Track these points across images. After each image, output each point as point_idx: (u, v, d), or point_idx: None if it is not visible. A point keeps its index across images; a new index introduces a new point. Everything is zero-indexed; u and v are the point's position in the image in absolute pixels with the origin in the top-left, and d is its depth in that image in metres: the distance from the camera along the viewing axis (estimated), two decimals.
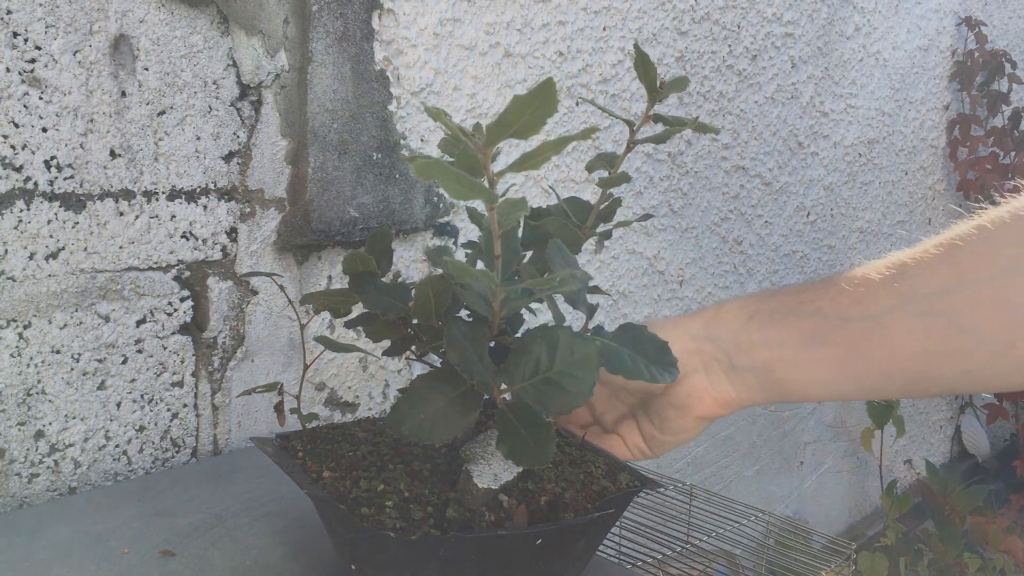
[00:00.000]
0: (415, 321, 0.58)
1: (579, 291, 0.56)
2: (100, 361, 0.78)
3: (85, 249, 0.76)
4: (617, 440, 0.66)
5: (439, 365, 0.57)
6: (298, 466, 0.57)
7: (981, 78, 2.27)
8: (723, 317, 0.62)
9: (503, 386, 0.52)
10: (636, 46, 0.60)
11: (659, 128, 0.61)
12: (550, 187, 1.22)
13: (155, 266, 0.81)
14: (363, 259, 0.57)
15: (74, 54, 0.73)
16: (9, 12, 0.69)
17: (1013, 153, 2.31)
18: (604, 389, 0.67)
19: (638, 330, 0.57)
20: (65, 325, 0.75)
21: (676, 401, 0.62)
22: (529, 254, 0.63)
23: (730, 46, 1.50)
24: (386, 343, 0.60)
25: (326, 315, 0.94)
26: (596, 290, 0.64)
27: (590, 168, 0.64)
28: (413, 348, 0.60)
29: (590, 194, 1.28)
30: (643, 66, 0.58)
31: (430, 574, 0.51)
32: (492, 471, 0.55)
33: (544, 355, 0.51)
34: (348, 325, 0.62)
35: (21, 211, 0.72)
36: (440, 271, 0.58)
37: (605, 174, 0.63)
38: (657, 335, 0.57)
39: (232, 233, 0.86)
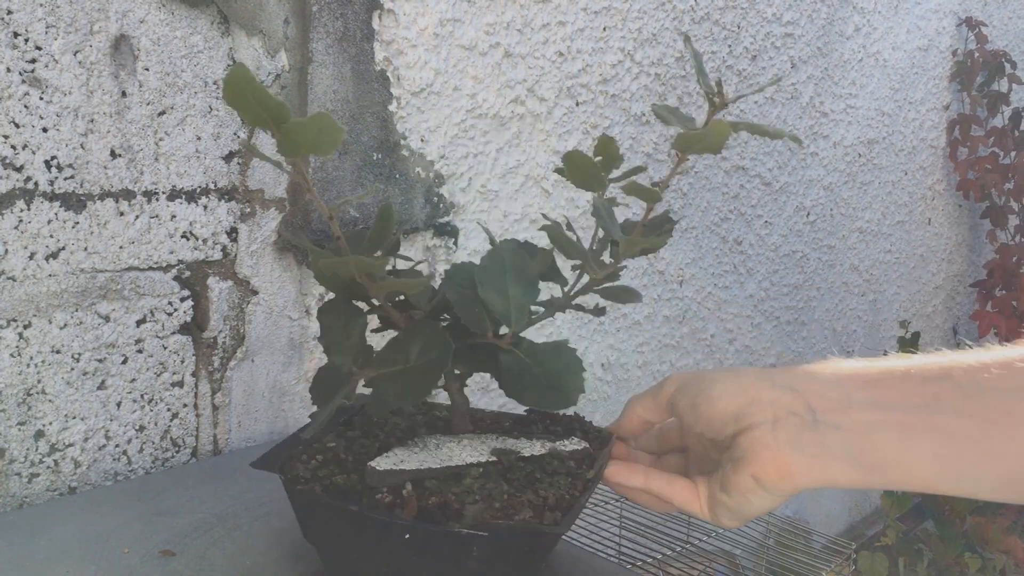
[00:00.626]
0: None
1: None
2: (100, 361, 0.78)
3: (85, 249, 0.76)
4: (687, 487, 0.56)
5: None
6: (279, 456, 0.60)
7: (981, 78, 2.27)
8: (816, 371, 0.52)
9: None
10: (565, 159, 0.61)
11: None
12: (551, 186, 1.22)
13: (155, 266, 0.81)
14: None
15: (74, 54, 0.73)
16: (9, 12, 0.69)
17: (1013, 152, 2.32)
18: (695, 438, 0.58)
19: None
20: (65, 325, 0.75)
21: (734, 453, 0.51)
22: None
23: (730, 46, 1.50)
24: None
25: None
26: (579, 308, 0.65)
27: (628, 191, 0.62)
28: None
29: (590, 194, 1.28)
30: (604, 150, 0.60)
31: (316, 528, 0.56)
32: (399, 457, 0.58)
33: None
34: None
35: (21, 211, 0.72)
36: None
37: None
38: (718, 373, 0.53)
39: (232, 233, 0.86)
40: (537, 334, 1.25)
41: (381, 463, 0.57)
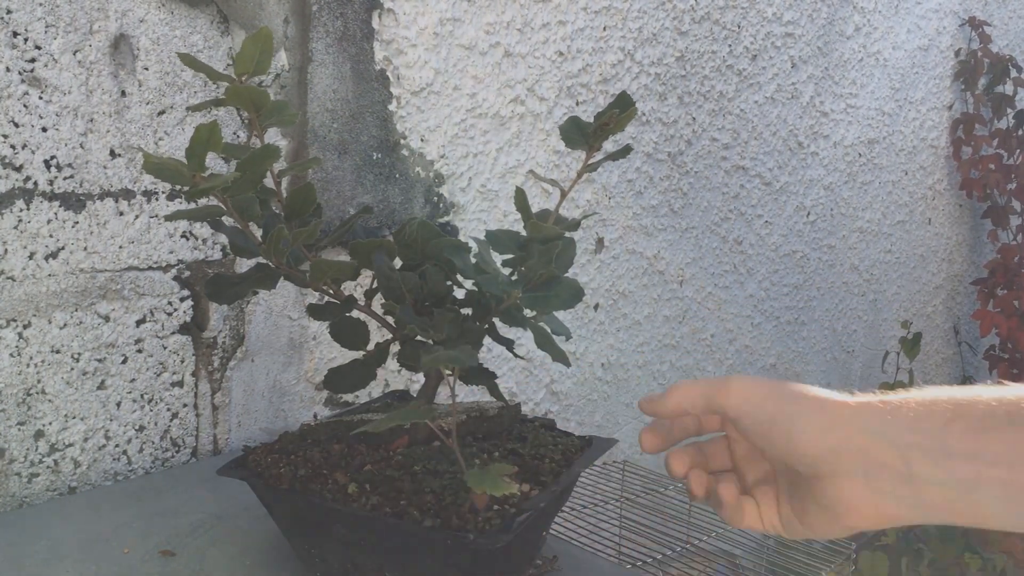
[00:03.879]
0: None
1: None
2: (100, 361, 0.78)
3: (85, 249, 0.76)
4: (751, 506, 0.54)
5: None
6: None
7: (985, 81, 2.28)
8: (909, 411, 0.47)
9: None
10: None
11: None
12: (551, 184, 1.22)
13: (155, 266, 0.81)
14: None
15: (74, 54, 0.73)
16: (9, 12, 0.69)
17: (1018, 152, 2.32)
18: (743, 443, 0.55)
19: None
20: (65, 325, 0.75)
21: (822, 499, 0.48)
22: None
23: (730, 46, 1.50)
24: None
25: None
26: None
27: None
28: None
29: (590, 194, 1.28)
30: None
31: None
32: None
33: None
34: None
35: (21, 211, 0.71)
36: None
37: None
38: (795, 404, 0.49)
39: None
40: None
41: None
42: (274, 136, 0.88)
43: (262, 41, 0.54)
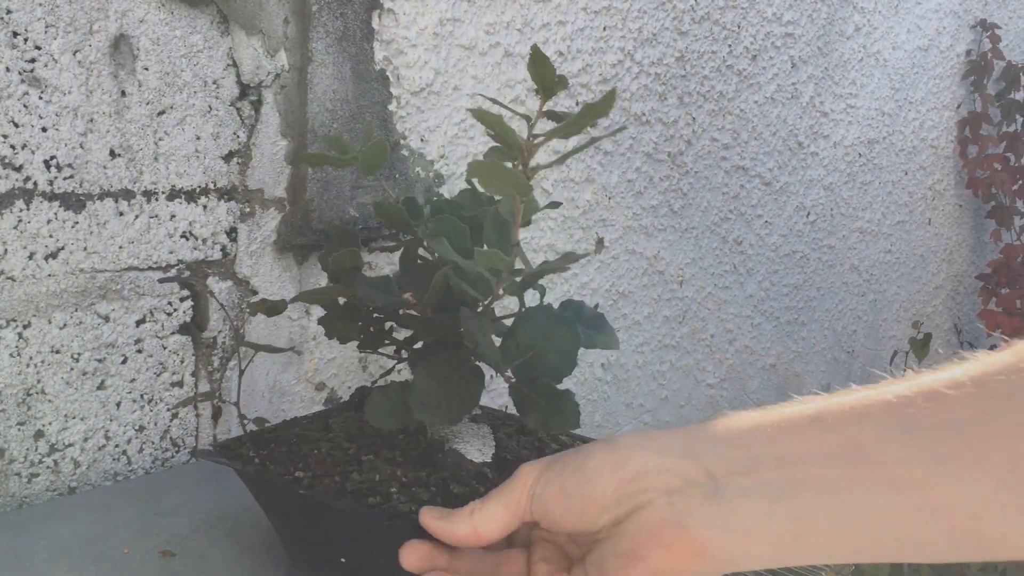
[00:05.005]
0: (401, 313, 0.59)
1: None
2: (100, 361, 0.78)
3: (85, 249, 0.76)
4: None
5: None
6: (269, 471, 0.58)
7: (996, 87, 2.30)
8: (708, 428, 0.42)
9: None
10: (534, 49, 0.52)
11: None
12: (551, 186, 1.22)
13: (155, 266, 0.81)
14: (351, 255, 0.59)
15: (74, 54, 0.73)
16: (9, 12, 0.69)
17: None
18: (541, 532, 0.46)
19: (579, 304, 0.60)
20: (65, 325, 0.75)
21: (620, 545, 0.41)
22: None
23: (730, 46, 1.50)
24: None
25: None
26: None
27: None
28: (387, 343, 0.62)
29: (589, 194, 1.28)
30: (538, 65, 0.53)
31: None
32: (475, 448, 0.56)
33: (528, 336, 0.55)
34: (322, 323, 0.64)
35: (21, 211, 0.71)
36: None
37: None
38: (587, 450, 0.43)
39: (232, 233, 0.86)
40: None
41: (472, 456, 0.57)
42: (274, 135, 0.88)
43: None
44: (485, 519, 0.44)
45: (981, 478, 0.35)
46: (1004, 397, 0.35)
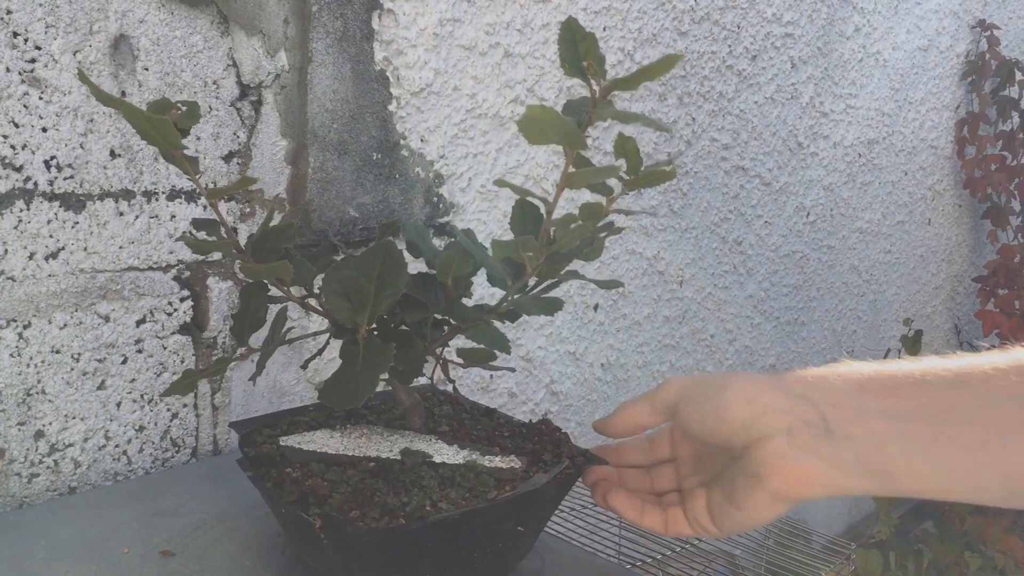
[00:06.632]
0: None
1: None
2: (100, 361, 0.78)
3: (85, 249, 0.76)
4: (676, 513, 0.56)
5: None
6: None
7: (991, 84, 2.30)
8: (828, 378, 0.50)
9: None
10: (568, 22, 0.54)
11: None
12: (551, 186, 1.22)
13: (155, 266, 0.81)
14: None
15: (74, 54, 0.73)
16: (9, 12, 0.69)
17: (1022, 152, 2.33)
18: (689, 446, 0.58)
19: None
20: (65, 325, 0.75)
21: (748, 467, 0.49)
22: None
23: (730, 46, 1.50)
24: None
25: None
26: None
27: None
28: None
29: (590, 195, 1.28)
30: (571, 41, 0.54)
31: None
32: (312, 439, 0.62)
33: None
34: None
35: (21, 211, 0.72)
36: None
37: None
38: (726, 379, 0.52)
39: (232, 233, 0.86)
40: (536, 335, 1.25)
41: (289, 440, 0.60)
42: (274, 136, 0.88)
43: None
44: (634, 411, 0.56)
45: None
46: None
